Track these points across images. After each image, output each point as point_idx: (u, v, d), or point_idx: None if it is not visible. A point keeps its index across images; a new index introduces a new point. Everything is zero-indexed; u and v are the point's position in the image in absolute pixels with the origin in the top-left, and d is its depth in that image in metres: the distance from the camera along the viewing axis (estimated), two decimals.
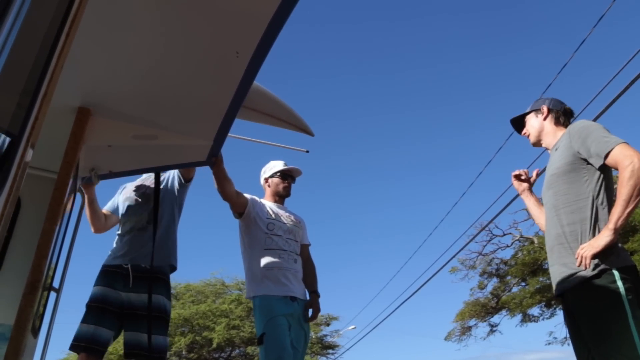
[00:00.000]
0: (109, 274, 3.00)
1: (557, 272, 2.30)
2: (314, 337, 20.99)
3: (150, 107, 2.33)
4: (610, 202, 2.23)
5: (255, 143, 3.62)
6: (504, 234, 18.17)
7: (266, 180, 3.55)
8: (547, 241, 2.41)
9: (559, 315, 18.20)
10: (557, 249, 2.30)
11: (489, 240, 18.34)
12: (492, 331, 20.12)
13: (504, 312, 19.55)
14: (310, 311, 3.28)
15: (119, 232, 3.21)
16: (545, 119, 2.56)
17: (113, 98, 2.24)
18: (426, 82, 48.83)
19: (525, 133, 2.65)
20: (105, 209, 3.32)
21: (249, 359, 19.73)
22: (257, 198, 3.41)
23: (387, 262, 46.96)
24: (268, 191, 3.54)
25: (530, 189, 2.71)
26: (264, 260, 3.16)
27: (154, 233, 3.02)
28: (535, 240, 17.23)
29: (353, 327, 21.71)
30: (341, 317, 24.18)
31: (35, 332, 2.46)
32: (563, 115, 2.55)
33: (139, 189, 3.27)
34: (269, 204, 3.42)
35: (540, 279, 17.41)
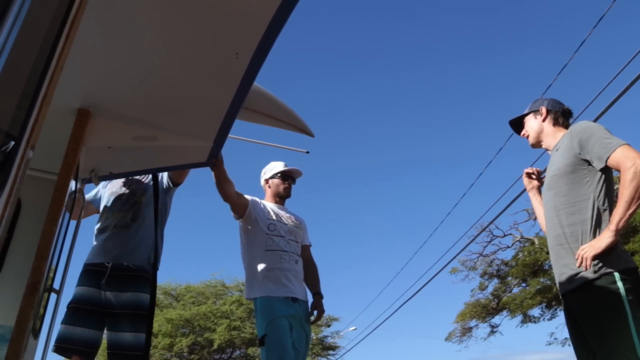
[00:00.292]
0: (91, 273, 2.97)
1: (557, 273, 2.30)
2: (314, 338, 20.98)
3: (150, 109, 2.33)
4: (611, 203, 2.23)
5: (255, 144, 3.62)
6: (505, 235, 18.18)
7: (266, 181, 3.56)
8: (548, 242, 2.41)
9: (560, 316, 18.18)
10: (557, 249, 2.30)
11: (490, 241, 18.35)
12: (492, 332, 20.12)
13: (504, 313, 19.54)
14: (315, 313, 3.28)
15: (100, 226, 3.15)
16: (544, 120, 2.55)
17: (113, 99, 2.25)
18: (426, 83, 48.86)
19: (524, 134, 2.65)
20: (86, 197, 3.28)
21: None
22: (257, 199, 3.41)
23: (388, 263, 46.93)
24: (268, 192, 3.54)
25: (539, 188, 2.70)
26: (265, 261, 3.16)
27: (155, 232, 3.01)
28: (536, 241, 17.22)
29: (354, 328, 21.70)
30: (342, 318, 24.22)
31: (36, 333, 2.45)
32: (562, 116, 2.55)
33: (127, 184, 3.24)
34: (269, 205, 3.42)
35: (541, 279, 17.40)
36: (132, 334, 2.85)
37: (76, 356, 2.76)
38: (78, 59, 1.74)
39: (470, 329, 20.34)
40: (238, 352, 20.13)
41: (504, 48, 42.89)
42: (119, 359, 2.83)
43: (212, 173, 3.05)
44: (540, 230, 16.82)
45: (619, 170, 2.14)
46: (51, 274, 2.53)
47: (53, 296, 2.67)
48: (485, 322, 20.04)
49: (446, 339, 20.89)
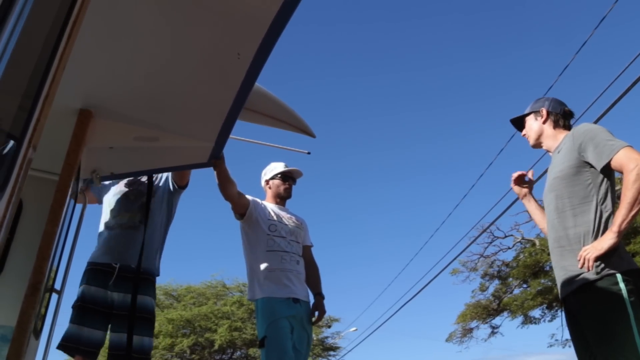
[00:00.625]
0: (97, 273, 2.96)
1: (559, 274, 2.30)
2: (315, 338, 20.98)
3: (151, 109, 2.33)
4: (613, 205, 2.23)
5: (256, 145, 3.62)
6: (506, 236, 18.15)
7: (267, 182, 3.55)
8: (549, 243, 2.41)
9: (560, 317, 18.14)
10: (558, 251, 2.30)
11: (491, 242, 18.32)
12: (493, 333, 20.09)
13: (505, 314, 19.51)
14: (316, 313, 3.28)
15: (106, 223, 3.13)
16: (544, 122, 2.54)
17: (114, 100, 2.25)
18: (427, 84, 48.83)
19: (524, 135, 2.64)
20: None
21: None
22: (258, 200, 3.41)
23: (389, 264, 46.89)
24: (269, 193, 3.54)
25: (530, 192, 2.70)
26: (266, 262, 3.16)
27: (144, 233, 3.01)
28: (537, 242, 17.20)
29: (354, 329, 21.68)
30: (342, 319, 24.14)
31: (37, 333, 2.46)
32: (562, 118, 2.53)
33: (132, 185, 3.23)
34: (270, 205, 3.42)
35: (542, 280, 17.38)
36: (136, 337, 2.84)
37: (79, 355, 2.76)
38: (80, 59, 1.74)
39: (471, 330, 20.32)
40: (239, 352, 20.12)
41: (505, 49, 42.88)
42: (123, 359, 2.83)
43: (215, 172, 3.05)
44: (541, 231, 16.85)
45: (621, 172, 2.14)
46: (52, 275, 2.53)
47: (54, 296, 2.68)
48: (486, 323, 20.03)
49: (447, 340, 20.89)
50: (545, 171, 2.65)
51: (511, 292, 19.08)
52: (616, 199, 2.23)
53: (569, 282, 2.23)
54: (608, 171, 2.21)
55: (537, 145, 2.59)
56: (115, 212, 3.15)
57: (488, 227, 15.60)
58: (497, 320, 19.96)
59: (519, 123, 2.70)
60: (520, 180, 2.73)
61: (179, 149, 2.72)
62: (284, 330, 2.98)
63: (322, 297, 3.37)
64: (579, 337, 2.22)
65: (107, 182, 3.30)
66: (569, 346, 18.12)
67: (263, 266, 3.15)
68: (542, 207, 2.68)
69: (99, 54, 1.90)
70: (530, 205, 2.70)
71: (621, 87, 5.84)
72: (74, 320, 2.84)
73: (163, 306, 20.03)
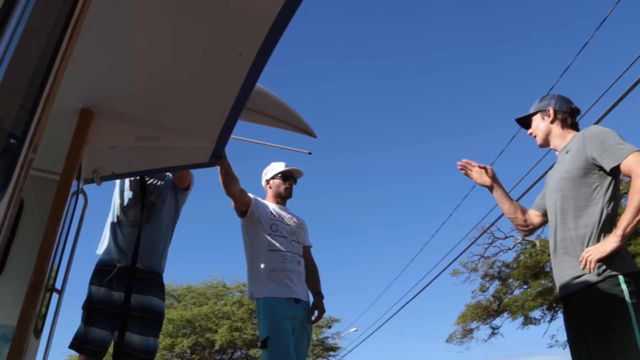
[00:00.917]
0: (103, 273, 2.96)
1: (560, 275, 2.30)
2: (315, 339, 20.97)
3: (152, 109, 2.33)
4: (618, 208, 2.24)
5: (257, 145, 3.62)
6: (506, 237, 18.13)
7: (267, 181, 3.55)
8: (550, 244, 2.40)
9: (560, 318, 18.13)
10: (560, 252, 2.30)
11: (491, 243, 18.31)
12: (493, 334, 20.07)
13: (505, 314, 19.50)
14: (315, 312, 3.28)
15: (114, 220, 3.12)
16: (552, 121, 2.52)
17: (116, 100, 2.25)
18: (429, 85, 48.83)
19: (531, 134, 2.63)
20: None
21: None
22: (259, 199, 3.41)
23: (389, 265, 46.88)
24: (269, 193, 3.53)
25: (495, 180, 2.64)
26: (268, 262, 3.16)
27: (139, 232, 3.00)
28: (537, 243, 17.18)
29: (354, 329, 21.67)
30: (343, 319, 24.14)
31: (38, 333, 2.46)
32: (570, 116, 2.52)
33: (137, 183, 3.22)
34: (271, 205, 3.42)
35: (542, 281, 17.36)
36: (140, 337, 2.85)
37: (83, 355, 2.77)
38: (81, 59, 1.74)
39: (471, 331, 20.30)
40: (239, 353, 20.13)
41: (506, 50, 42.87)
42: (127, 358, 2.84)
43: (218, 168, 3.03)
44: (542, 232, 16.82)
45: (629, 177, 2.14)
46: (53, 274, 2.54)
47: (55, 296, 2.68)
48: (486, 323, 20.01)
49: (447, 341, 20.88)
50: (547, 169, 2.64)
51: (511, 293, 19.06)
52: (620, 203, 2.24)
53: (569, 282, 2.22)
54: (616, 175, 2.22)
55: (545, 144, 2.58)
56: (122, 209, 3.14)
57: (488, 228, 15.63)
58: (497, 321, 19.97)
59: (524, 122, 2.69)
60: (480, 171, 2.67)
61: (180, 149, 2.72)
62: (287, 331, 2.98)
63: (322, 297, 3.37)
64: (579, 339, 2.22)
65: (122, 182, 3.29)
66: None
67: (264, 266, 3.15)
68: (509, 197, 2.67)
69: (101, 54, 1.90)
70: (497, 194, 2.64)
71: (622, 87, 5.84)
72: (82, 320, 2.86)
73: None
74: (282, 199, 3.51)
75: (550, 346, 19.19)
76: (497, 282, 19.40)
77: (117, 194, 3.22)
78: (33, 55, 1.17)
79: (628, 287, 2.05)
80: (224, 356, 20.18)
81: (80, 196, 2.88)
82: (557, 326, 19.03)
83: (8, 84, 0.97)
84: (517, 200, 8.81)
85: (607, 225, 2.19)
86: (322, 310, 3.30)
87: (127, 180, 3.26)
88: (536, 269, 17.26)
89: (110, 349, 2.91)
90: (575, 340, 2.25)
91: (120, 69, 2.03)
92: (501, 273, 19.09)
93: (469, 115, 45.10)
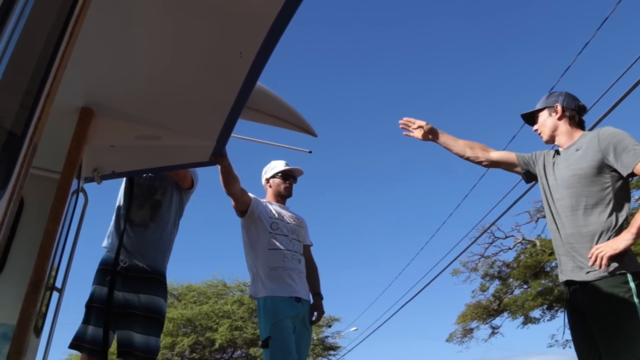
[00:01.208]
0: (108, 273, 2.94)
1: (567, 270, 2.31)
2: (315, 338, 20.97)
3: (153, 108, 2.33)
4: (628, 208, 2.26)
5: (257, 143, 3.62)
6: (506, 237, 18.13)
7: (267, 180, 3.55)
8: (555, 239, 2.41)
9: (560, 317, 18.15)
10: (568, 247, 2.31)
11: (491, 243, 18.30)
12: (493, 333, 20.08)
13: (505, 314, 19.50)
14: (315, 314, 3.27)
15: (120, 220, 3.09)
16: (560, 118, 2.52)
17: (116, 98, 2.24)
18: (430, 84, 48.82)
19: (537, 130, 2.62)
20: None
21: None
22: (259, 198, 3.40)
23: (389, 264, 46.91)
24: (269, 192, 3.53)
25: (432, 130, 2.75)
26: (268, 260, 3.15)
27: (119, 232, 2.98)
28: (538, 243, 17.18)
29: (355, 328, 21.68)
30: (343, 319, 24.16)
31: (38, 331, 2.46)
32: (577, 114, 2.53)
33: (144, 180, 3.21)
34: (271, 204, 3.42)
35: (542, 281, 17.37)
36: (142, 336, 2.85)
37: (84, 354, 2.76)
38: (81, 57, 1.74)
39: (471, 330, 20.31)
40: (239, 352, 20.14)
41: (507, 50, 42.84)
42: (130, 357, 2.84)
43: (219, 168, 3.03)
44: (542, 232, 16.79)
45: None
46: (53, 273, 2.53)
47: (55, 295, 2.68)
48: (486, 323, 20.01)
49: (447, 340, 20.88)
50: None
51: (511, 293, 19.06)
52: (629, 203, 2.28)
53: (577, 277, 2.24)
54: (629, 176, 2.24)
55: (551, 141, 2.59)
56: (127, 208, 3.12)
57: (489, 228, 15.62)
58: (497, 321, 19.97)
59: (530, 118, 2.69)
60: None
61: (180, 148, 2.72)
62: (288, 330, 2.98)
63: (321, 298, 3.37)
64: (585, 335, 2.23)
65: None
66: (569, 347, 18.11)
67: (265, 264, 3.15)
68: (455, 139, 2.76)
69: (101, 52, 1.90)
70: (441, 141, 2.75)
71: (623, 87, 5.83)
72: (84, 319, 2.86)
73: None
74: (282, 197, 3.51)
75: (550, 345, 19.20)
76: (497, 282, 19.41)
77: (123, 192, 3.21)
78: (33, 53, 1.17)
79: (636, 286, 2.08)
80: (224, 355, 20.19)
81: (81, 195, 2.88)
82: (557, 325, 19.05)
83: (8, 82, 0.97)
84: (516, 201, 8.87)
85: (617, 225, 2.21)
86: (321, 312, 3.30)
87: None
88: (536, 268, 17.26)
89: (112, 349, 2.91)
90: (579, 336, 2.26)
91: (121, 68, 2.02)
92: (501, 273, 19.09)
93: (471, 115, 45.09)
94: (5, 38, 0.90)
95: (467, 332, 20.31)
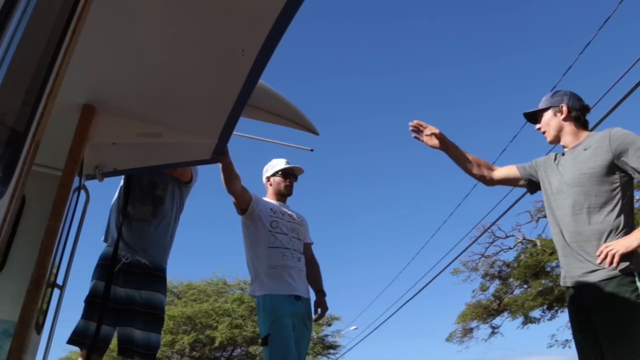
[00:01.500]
0: (106, 268, 2.93)
1: (572, 269, 2.30)
2: (315, 337, 20.99)
3: (155, 105, 2.33)
4: (632, 207, 2.27)
5: (259, 141, 3.62)
6: (507, 236, 18.11)
7: (268, 179, 3.55)
8: (559, 237, 2.40)
9: (561, 317, 18.13)
10: (574, 246, 2.30)
11: (492, 242, 18.28)
12: (493, 333, 20.06)
13: (505, 314, 19.48)
14: (318, 310, 3.28)
15: (119, 214, 3.06)
16: (565, 119, 2.51)
17: (118, 96, 2.25)
18: (431, 84, 48.79)
19: (541, 129, 2.61)
20: None
21: (251, 358, 19.75)
22: (259, 196, 3.41)
23: (390, 263, 46.93)
24: (270, 190, 3.53)
25: (445, 140, 2.71)
26: (268, 259, 3.16)
27: (118, 227, 2.98)
28: (538, 243, 17.16)
29: (354, 327, 21.68)
30: (343, 318, 24.16)
31: (39, 328, 2.46)
32: (582, 115, 2.53)
33: (144, 175, 3.19)
34: (271, 202, 3.42)
35: (543, 281, 17.35)
36: (143, 332, 2.85)
37: (84, 350, 2.76)
38: (83, 55, 1.74)
39: (471, 330, 20.30)
40: (239, 350, 20.16)
41: (508, 50, 42.77)
42: (130, 354, 2.84)
43: (220, 166, 3.03)
44: (543, 232, 16.77)
45: None
46: (55, 270, 2.54)
47: (56, 291, 2.68)
48: (486, 323, 20.00)
49: (447, 340, 20.87)
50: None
51: (512, 293, 19.05)
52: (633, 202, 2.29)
53: (584, 276, 2.24)
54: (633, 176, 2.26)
55: (555, 141, 2.58)
56: (130, 200, 3.09)
57: (489, 227, 15.61)
58: (497, 321, 19.95)
59: (533, 116, 2.67)
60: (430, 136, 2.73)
61: (182, 145, 2.72)
62: (287, 328, 2.98)
63: (324, 294, 3.37)
64: (588, 334, 2.22)
65: None
66: (569, 347, 18.10)
67: (265, 263, 3.15)
68: (464, 153, 2.73)
69: (103, 50, 1.90)
70: (450, 154, 2.73)
71: (625, 87, 5.82)
72: (83, 315, 2.84)
73: None
74: (282, 196, 3.51)
75: (550, 345, 19.19)
76: (497, 282, 19.39)
77: (123, 188, 3.20)
78: (36, 50, 1.17)
79: None
80: (224, 353, 20.21)
81: (82, 192, 2.89)
82: (557, 325, 19.05)
83: (11, 80, 0.97)
84: (517, 201, 8.86)
85: (626, 224, 2.22)
86: (324, 308, 3.30)
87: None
88: (537, 268, 17.24)
89: (113, 346, 2.90)
90: (583, 336, 2.26)
91: (123, 65, 2.02)
92: (502, 272, 19.07)
93: (471, 115, 45.06)
94: (8, 36, 0.90)
95: (467, 332, 20.30)
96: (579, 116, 2.51)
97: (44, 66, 1.13)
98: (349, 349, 22.18)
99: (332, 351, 22.73)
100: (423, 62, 49.36)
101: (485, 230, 15.17)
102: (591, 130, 2.57)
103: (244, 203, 3.25)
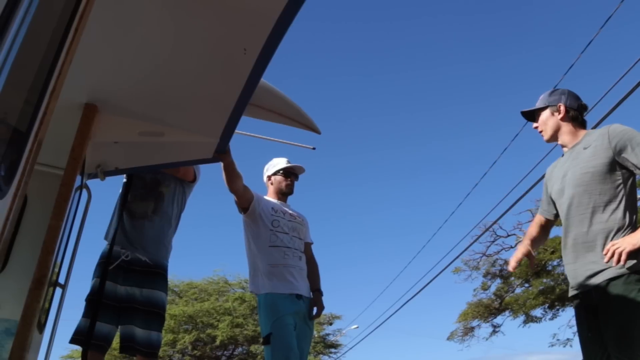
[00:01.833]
0: (107, 266, 2.92)
1: (578, 268, 2.28)
2: (316, 336, 21.01)
3: (157, 104, 2.33)
4: (635, 204, 2.26)
5: (260, 140, 3.61)
6: (508, 235, 18.08)
7: (269, 178, 3.54)
8: (566, 237, 2.38)
9: (562, 316, 18.16)
10: (581, 246, 2.29)
11: (493, 241, 18.25)
12: (494, 332, 20.05)
13: (507, 313, 19.48)
14: (314, 309, 3.28)
15: (121, 212, 3.06)
16: (563, 119, 2.50)
17: (120, 95, 2.25)
18: (432, 83, 48.71)
19: (538, 129, 2.60)
20: None
21: (252, 357, 19.77)
22: (261, 195, 3.41)
23: (391, 262, 46.87)
24: (271, 189, 3.53)
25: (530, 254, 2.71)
26: (269, 258, 3.16)
27: (115, 225, 2.98)
28: None
29: (356, 326, 21.70)
30: (344, 316, 24.14)
31: (41, 327, 2.46)
32: (580, 114, 2.52)
33: (147, 173, 3.19)
34: (272, 201, 3.42)
35: (544, 280, 17.34)
36: (143, 330, 2.85)
37: (86, 349, 2.76)
38: (86, 54, 1.74)
39: (472, 329, 20.29)
40: (240, 349, 20.18)
41: (509, 49, 42.71)
42: (132, 352, 2.84)
43: (222, 164, 3.02)
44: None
45: None
46: (57, 269, 2.54)
47: (58, 290, 2.69)
48: (488, 322, 19.99)
49: (448, 339, 20.86)
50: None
51: (513, 291, 19.05)
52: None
53: (591, 276, 2.22)
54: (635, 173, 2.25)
55: (552, 140, 2.57)
56: (131, 197, 3.10)
57: (490, 226, 15.59)
58: (498, 319, 19.94)
59: (530, 115, 2.66)
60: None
61: (183, 144, 2.72)
62: (289, 327, 2.98)
63: (321, 294, 3.37)
64: (593, 334, 2.22)
65: None
66: (570, 345, 18.09)
67: (266, 261, 3.15)
68: (534, 242, 2.74)
69: (105, 49, 1.90)
70: (533, 252, 2.73)
71: (626, 87, 5.81)
72: (85, 314, 2.84)
73: None
74: (283, 195, 3.50)
75: (551, 345, 19.19)
76: (498, 280, 19.38)
77: (125, 185, 3.19)
78: (38, 50, 1.17)
79: None
80: (225, 352, 20.23)
81: (84, 191, 2.89)
82: (559, 324, 19.05)
83: (14, 79, 0.97)
84: (518, 200, 8.87)
85: (630, 223, 2.21)
86: (321, 307, 3.30)
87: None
88: (538, 267, 17.24)
89: (115, 344, 2.91)
90: (588, 335, 2.25)
91: (125, 64, 2.03)
92: (503, 271, 19.05)
93: (472, 114, 45.01)
94: (11, 35, 0.90)
95: (468, 331, 20.30)
96: (576, 116, 2.49)
97: (46, 65, 1.13)
98: (350, 348, 22.22)
99: (333, 350, 22.75)
100: (424, 61, 49.32)
101: (487, 229, 15.16)
102: (592, 129, 2.56)
103: (245, 202, 3.25)
